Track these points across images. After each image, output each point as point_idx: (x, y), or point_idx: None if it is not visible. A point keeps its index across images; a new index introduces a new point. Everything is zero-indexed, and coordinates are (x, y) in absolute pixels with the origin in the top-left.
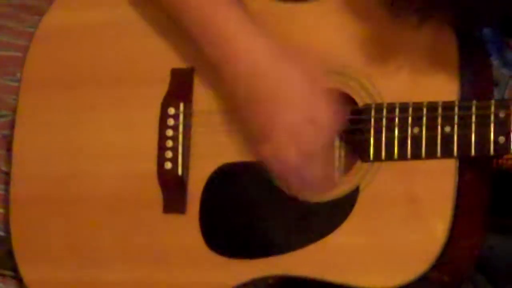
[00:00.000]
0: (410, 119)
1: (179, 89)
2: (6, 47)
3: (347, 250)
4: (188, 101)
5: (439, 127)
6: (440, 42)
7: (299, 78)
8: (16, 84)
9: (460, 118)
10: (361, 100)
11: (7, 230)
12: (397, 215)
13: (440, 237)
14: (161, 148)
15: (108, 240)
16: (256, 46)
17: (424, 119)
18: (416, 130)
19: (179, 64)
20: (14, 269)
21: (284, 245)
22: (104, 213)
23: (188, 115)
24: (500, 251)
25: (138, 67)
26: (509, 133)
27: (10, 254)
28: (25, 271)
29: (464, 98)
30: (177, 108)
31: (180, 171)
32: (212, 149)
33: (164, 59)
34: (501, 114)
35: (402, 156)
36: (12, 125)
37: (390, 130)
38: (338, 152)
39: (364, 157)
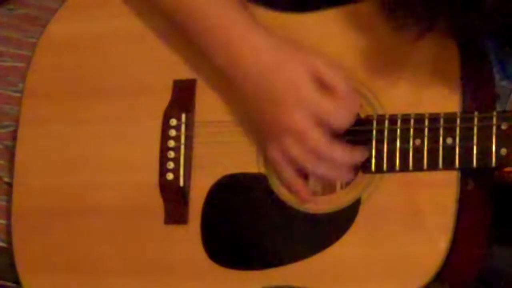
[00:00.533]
0: (412, 130)
1: (181, 100)
2: (8, 57)
3: (348, 261)
4: (190, 112)
5: (441, 139)
6: (441, 53)
7: (306, 78)
8: (18, 94)
9: (462, 130)
10: (363, 111)
11: (9, 241)
12: (398, 227)
13: (441, 249)
14: (163, 159)
15: (109, 251)
16: (264, 47)
17: (426, 130)
18: (418, 141)
19: (181, 75)
20: (16, 280)
21: (286, 256)
22: (106, 224)
23: (190, 126)
24: (502, 263)
25: (140, 78)
26: (511, 145)
27: (12, 265)
28: (27, 282)
29: (466, 109)
30: (179, 119)
31: (181, 182)
32: (214, 160)
33: (166, 70)
34: (503, 126)
35: (404, 168)
36: (14, 136)
37: (391, 141)
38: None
39: (366, 169)
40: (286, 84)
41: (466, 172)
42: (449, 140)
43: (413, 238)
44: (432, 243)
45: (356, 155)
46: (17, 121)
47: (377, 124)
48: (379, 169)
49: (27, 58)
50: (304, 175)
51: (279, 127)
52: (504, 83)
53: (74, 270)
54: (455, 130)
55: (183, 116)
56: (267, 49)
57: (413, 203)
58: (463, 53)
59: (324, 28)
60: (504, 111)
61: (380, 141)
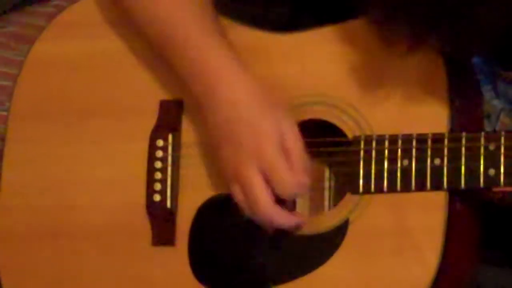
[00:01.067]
0: (399, 151)
1: (168, 120)
2: None
3: (337, 283)
4: (176, 132)
5: (428, 160)
6: (430, 72)
7: (272, 135)
8: (5, 113)
9: (449, 150)
10: (350, 131)
11: None
12: (387, 247)
13: (430, 269)
14: (150, 180)
15: (96, 273)
16: (239, 90)
17: (414, 151)
18: (405, 162)
19: (168, 95)
20: None
21: (274, 278)
22: (93, 246)
23: (177, 147)
24: (491, 283)
25: (127, 99)
26: (499, 166)
27: None
28: None
29: (454, 129)
30: (165, 140)
31: (169, 204)
32: (201, 181)
33: (152, 90)
34: (491, 147)
35: (392, 189)
36: (0, 156)
37: (379, 162)
38: (328, 184)
39: (354, 190)
40: (251, 133)
41: (454, 193)
42: (437, 161)
43: (402, 258)
44: (422, 264)
45: (291, 221)
46: (3, 140)
47: (364, 144)
48: (367, 190)
49: (14, 76)
50: None
51: (231, 170)
52: (495, 102)
53: None
54: (443, 151)
55: (170, 137)
56: (243, 93)
57: (401, 224)
58: (451, 73)
59: (313, 47)
60: (492, 132)
61: (367, 162)
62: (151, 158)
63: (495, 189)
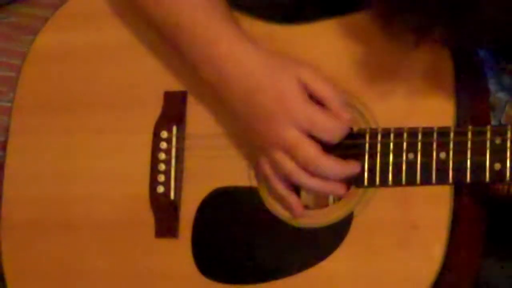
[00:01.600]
0: (405, 144)
1: (172, 112)
2: None
3: (341, 276)
4: (181, 124)
5: (434, 153)
6: (436, 66)
7: (295, 90)
8: (8, 104)
9: (455, 144)
10: (356, 124)
11: None
12: (391, 241)
13: (435, 263)
14: (154, 171)
15: (99, 264)
16: (252, 61)
17: (419, 144)
18: (411, 156)
19: (172, 87)
20: None
21: (278, 271)
22: (95, 237)
23: (181, 139)
24: (496, 276)
25: (131, 90)
26: (505, 160)
27: (1, 277)
28: None
29: (460, 122)
30: (170, 131)
31: (172, 195)
32: (205, 173)
33: (157, 81)
34: (497, 141)
35: (397, 182)
36: (4, 147)
37: (384, 155)
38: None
39: (359, 183)
40: (275, 98)
41: (460, 186)
42: (442, 155)
43: (407, 252)
44: (426, 258)
45: (347, 169)
46: (6, 131)
47: (370, 137)
48: (371, 183)
49: (17, 67)
50: (296, 187)
51: (269, 141)
52: (500, 95)
53: (64, 282)
54: (448, 145)
55: (174, 129)
56: (255, 63)
57: (406, 218)
58: (457, 66)
59: (318, 39)
60: (499, 125)
61: (372, 155)
62: (155, 150)
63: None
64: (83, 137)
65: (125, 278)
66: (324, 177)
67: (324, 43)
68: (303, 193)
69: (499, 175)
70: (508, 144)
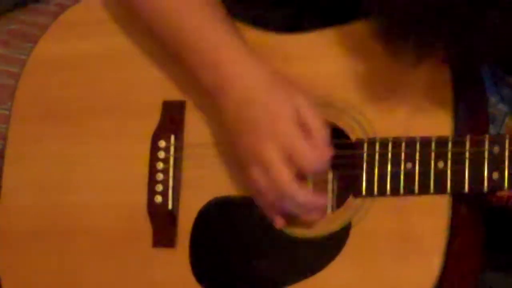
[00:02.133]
0: (403, 154)
1: (170, 121)
2: None
3: (339, 286)
4: (179, 134)
5: (432, 163)
6: (434, 76)
7: (288, 113)
8: (7, 112)
9: (453, 154)
10: (354, 134)
11: None
12: (389, 251)
13: (434, 273)
14: (151, 181)
15: (97, 273)
16: (252, 74)
17: (417, 154)
18: (409, 165)
19: (171, 96)
20: None
21: (276, 281)
22: (93, 246)
23: (179, 148)
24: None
25: (129, 99)
26: (503, 169)
27: None
28: None
29: (458, 132)
30: (168, 141)
31: (170, 205)
32: (203, 183)
33: (155, 91)
34: (495, 150)
35: (395, 192)
36: (2, 155)
37: (382, 165)
38: (331, 187)
39: (357, 193)
40: (266, 114)
41: (458, 196)
42: (440, 164)
43: (405, 262)
44: (424, 267)
45: (315, 202)
46: (4, 139)
47: (368, 147)
48: (370, 193)
49: (16, 75)
50: None
51: (250, 154)
52: (500, 106)
53: None
54: (446, 154)
55: (172, 138)
56: (254, 77)
57: (404, 227)
58: (456, 76)
59: (317, 48)
60: (497, 135)
61: (371, 165)
62: (153, 159)
63: (500, 193)
64: (81, 146)
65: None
66: (295, 202)
67: (323, 52)
68: None
69: (497, 185)
70: (506, 154)
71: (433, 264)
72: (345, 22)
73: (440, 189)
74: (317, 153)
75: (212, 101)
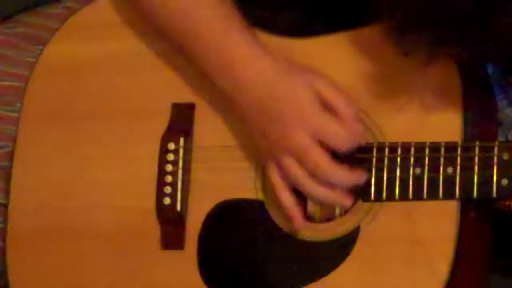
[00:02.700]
0: (412, 159)
1: (180, 124)
2: (5, 76)
3: None
4: (188, 136)
5: (441, 168)
6: (444, 82)
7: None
8: (15, 114)
9: (462, 159)
10: (363, 138)
11: (4, 264)
12: (397, 256)
13: (441, 278)
14: (160, 183)
15: (105, 275)
16: (268, 68)
17: (426, 159)
18: (418, 170)
19: (180, 98)
20: None
21: (283, 284)
22: (102, 248)
23: (188, 151)
24: None
25: (139, 101)
26: None
27: (6, 286)
28: None
29: (468, 138)
30: (177, 143)
31: (179, 207)
32: (212, 185)
33: (165, 93)
34: (505, 156)
35: (404, 197)
36: (11, 157)
37: (391, 170)
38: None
39: (365, 197)
40: (289, 104)
41: (466, 202)
42: (449, 170)
43: (413, 267)
44: (432, 273)
45: (354, 177)
46: (13, 141)
47: (377, 152)
48: (378, 197)
49: (25, 77)
50: (303, 199)
51: (279, 146)
52: (508, 111)
53: None
54: (455, 160)
55: (181, 140)
56: (271, 70)
57: (412, 232)
58: (465, 82)
59: (327, 53)
60: (506, 141)
61: (380, 169)
62: (162, 161)
63: (508, 200)
64: (90, 148)
65: None
66: (331, 187)
67: (332, 56)
68: (309, 205)
69: (506, 191)
70: None
71: (441, 269)
72: (354, 27)
73: (449, 194)
74: (348, 129)
75: (222, 103)
